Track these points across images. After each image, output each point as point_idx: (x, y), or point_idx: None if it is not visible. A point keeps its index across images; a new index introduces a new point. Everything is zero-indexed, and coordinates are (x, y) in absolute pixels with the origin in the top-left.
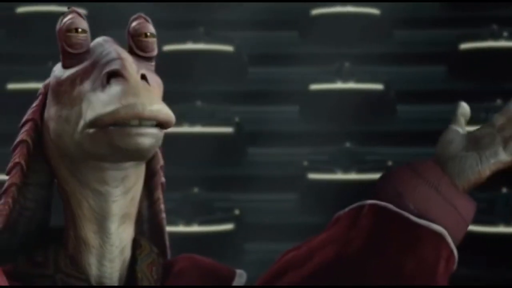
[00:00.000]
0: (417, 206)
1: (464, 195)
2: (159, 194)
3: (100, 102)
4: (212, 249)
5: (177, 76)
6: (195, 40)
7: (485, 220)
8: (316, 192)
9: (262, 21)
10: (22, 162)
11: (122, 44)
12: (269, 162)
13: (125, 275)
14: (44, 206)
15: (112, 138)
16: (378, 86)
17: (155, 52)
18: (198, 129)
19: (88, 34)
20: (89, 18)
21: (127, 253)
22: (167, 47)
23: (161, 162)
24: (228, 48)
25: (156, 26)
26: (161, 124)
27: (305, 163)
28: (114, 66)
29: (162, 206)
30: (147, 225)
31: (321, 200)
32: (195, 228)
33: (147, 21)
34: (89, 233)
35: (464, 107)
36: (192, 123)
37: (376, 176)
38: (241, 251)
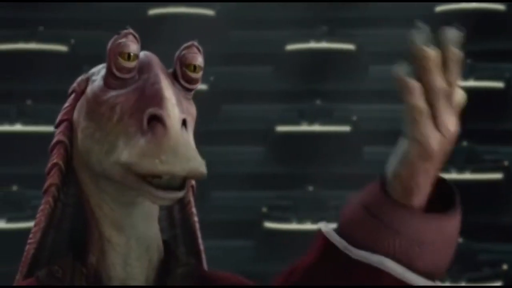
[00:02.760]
0: (358, 233)
1: (400, 210)
2: (190, 196)
3: (138, 148)
4: None
5: (298, 75)
6: (318, 39)
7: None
8: None
9: (385, 20)
10: (60, 162)
11: (164, 61)
12: (385, 162)
13: (151, 279)
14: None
15: (140, 191)
16: (498, 84)
17: (198, 85)
18: (316, 127)
19: (138, 60)
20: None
21: (153, 254)
22: (290, 46)
23: None
24: (350, 46)
25: (279, 25)
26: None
27: None
28: (156, 107)
29: (194, 209)
30: (180, 230)
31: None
32: (308, 226)
33: (199, 51)
34: (113, 232)
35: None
36: (311, 121)
37: (492, 176)
38: None
